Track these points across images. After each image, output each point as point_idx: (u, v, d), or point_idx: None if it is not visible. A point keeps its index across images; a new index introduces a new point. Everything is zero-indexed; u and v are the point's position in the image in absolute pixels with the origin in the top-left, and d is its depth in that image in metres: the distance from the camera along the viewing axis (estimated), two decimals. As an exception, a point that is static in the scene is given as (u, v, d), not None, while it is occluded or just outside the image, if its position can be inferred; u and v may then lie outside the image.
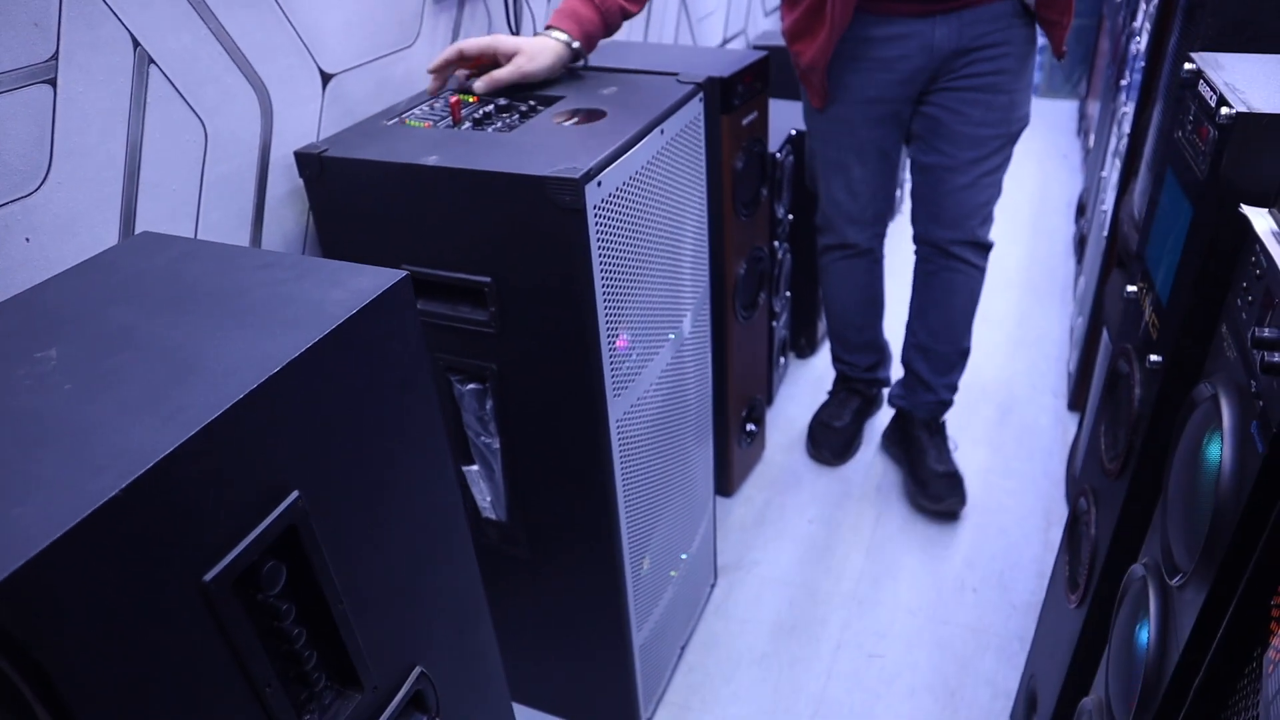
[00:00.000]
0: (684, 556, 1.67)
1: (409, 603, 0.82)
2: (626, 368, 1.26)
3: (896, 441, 2.22)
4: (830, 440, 2.22)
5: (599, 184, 1.08)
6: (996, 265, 3.02)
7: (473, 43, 1.32)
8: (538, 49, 1.34)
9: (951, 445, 2.16)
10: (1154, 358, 0.97)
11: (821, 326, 2.68)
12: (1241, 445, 0.71)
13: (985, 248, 1.96)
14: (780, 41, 1.94)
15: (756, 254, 1.96)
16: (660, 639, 1.63)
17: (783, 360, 2.53)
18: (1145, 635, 0.87)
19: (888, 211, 2.05)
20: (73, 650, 0.51)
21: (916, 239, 1.99)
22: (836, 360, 2.29)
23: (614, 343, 1.21)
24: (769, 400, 2.46)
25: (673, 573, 1.63)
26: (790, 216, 2.33)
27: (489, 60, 1.35)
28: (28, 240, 0.92)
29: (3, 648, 0.49)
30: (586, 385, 1.19)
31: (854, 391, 2.28)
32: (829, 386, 2.36)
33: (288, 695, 0.69)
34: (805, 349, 2.68)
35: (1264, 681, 0.60)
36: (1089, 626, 1.15)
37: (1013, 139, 1.83)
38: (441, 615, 0.88)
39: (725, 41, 2.78)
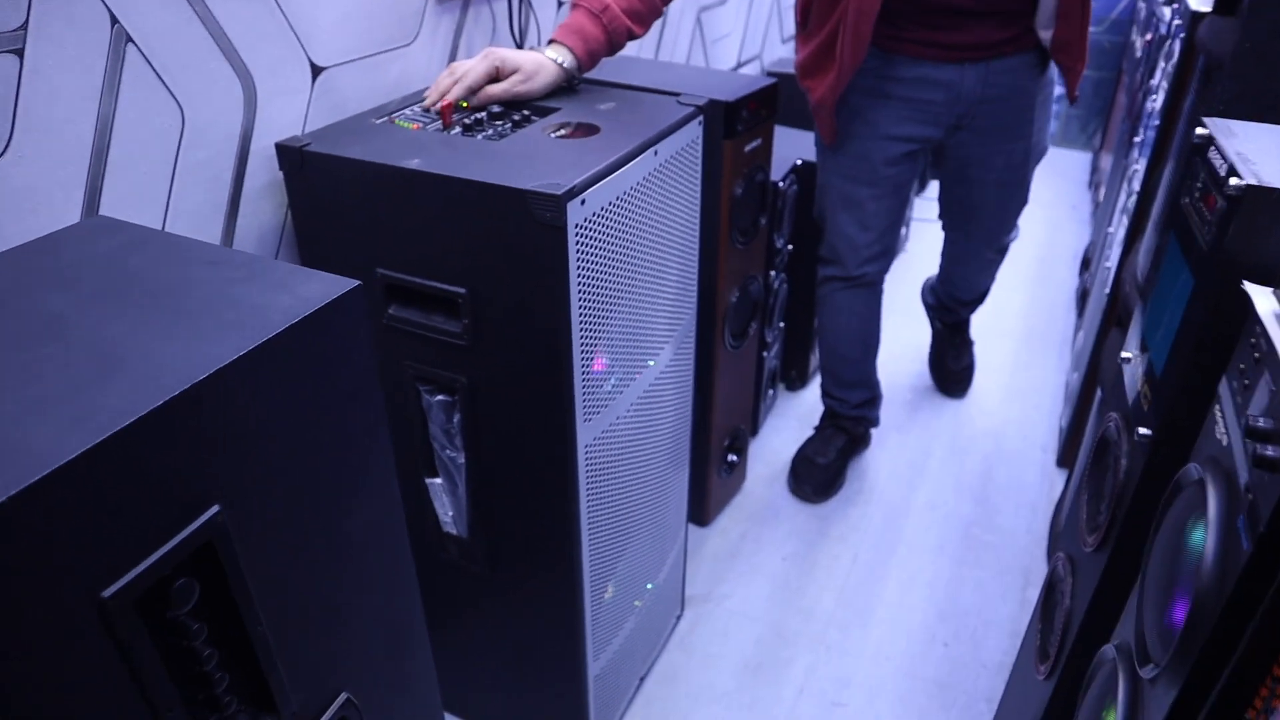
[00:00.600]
0: (650, 586, 1.63)
1: (337, 625, 0.78)
2: (601, 393, 1.22)
3: (928, 308, 2.60)
4: (813, 476, 2.18)
5: (583, 202, 1.04)
6: (996, 313, 3.00)
7: (474, 71, 1.27)
8: (534, 68, 1.30)
9: (971, 343, 2.60)
10: (1143, 430, 0.93)
11: (814, 359, 2.63)
12: (1226, 538, 0.67)
13: (1005, 249, 2.22)
14: (785, 70, 1.93)
15: (750, 283, 1.92)
16: (619, 669, 1.59)
17: (771, 391, 2.49)
18: (1112, 723, 0.83)
19: (895, 246, 2.03)
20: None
21: (951, 240, 2.24)
22: (826, 395, 2.25)
23: (590, 365, 1.17)
24: (754, 431, 2.42)
25: (637, 602, 1.59)
26: (790, 247, 2.29)
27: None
28: (-18, 216, 0.88)
29: None
30: (556, 408, 1.15)
31: (841, 429, 2.24)
32: (815, 421, 2.32)
33: (194, 719, 0.65)
34: (796, 381, 2.64)
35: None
36: (1055, 701, 1.11)
37: (1035, 164, 1.95)
38: (374, 639, 0.84)
39: (739, 65, 2.76)
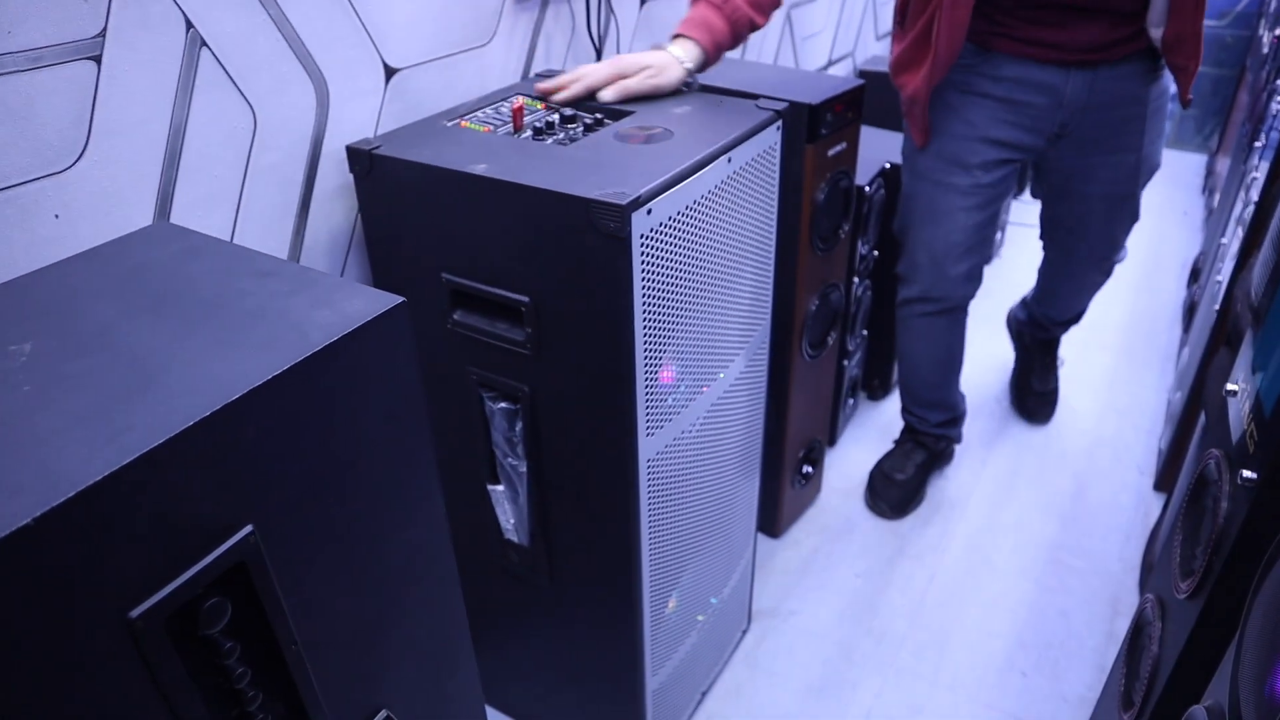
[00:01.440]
0: (714, 601, 1.59)
1: (376, 644, 0.77)
2: (668, 405, 1.19)
3: (1013, 333, 2.49)
4: (890, 493, 2.11)
5: (649, 212, 1.01)
6: (1094, 324, 2.85)
7: (599, 73, 1.26)
8: (663, 64, 1.29)
9: (1059, 363, 2.45)
10: (1247, 473, 0.85)
11: (897, 368, 2.55)
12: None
13: (1119, 261, 2.04)
14: (876, 68, 1.86)
15: (830, 291, 1.86)
16: (679, 683, 1.56)
17: (852, 400, 2.42)
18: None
19: (982, 271, 1.91)
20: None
21: (1049, 253, 2.10)
22: (905, 411, 2.17)
23: (656, 377, 1.14)
24: (832, 442, 2.35)
25: (700, 617, 1.55)
26: (875, 253, 2.22)
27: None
28: (57, 217, 0.90)
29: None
30: (618, 421, 1.12)
31: (921, 444, 2.16)
32: (897, 434, 2.24)
33: (225, 739, 0.64)
34: (878, 390, 2.56)
35: None
36: (1139, 755, 1.03)
37: (1147, 180, 1.81)
38: (415, 658, 0.82)
39: (829, 64, 2.68)
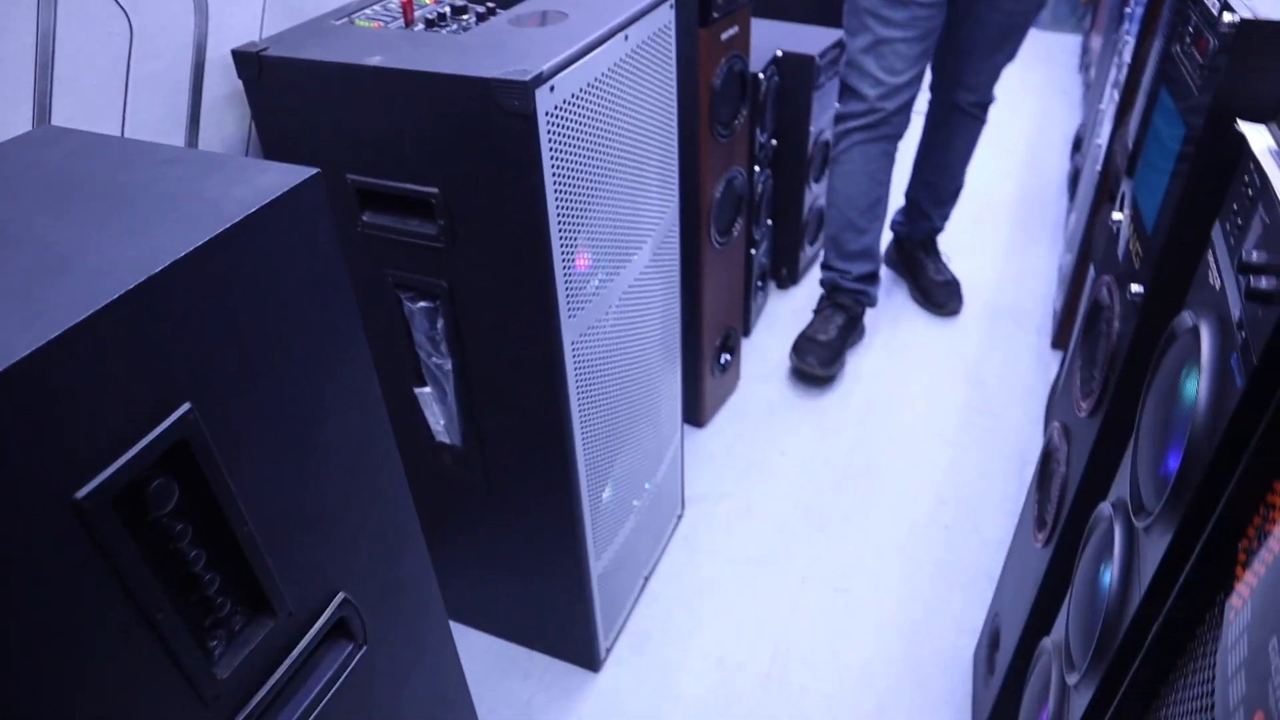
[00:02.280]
0: (648, 486, 1.64)
1: (328, 527, 0.77)
2: (586, 290, 1.20)
3: (898, 261, 2.60)
4: (816, 350, 2.19)
5: (551, 89, 1.00)
6: (987, 201, 2.96)
7: None
8: None
9: (945, 259, 2.52)
10: (1135, 288, 0.91)
11: (804, 255, 2.61)
12: (1220, 379, 0.66)
13: (988, 105, 2.22)
14: None
15: (733, 177, 1.88)
16: (622, 568, 1.60)
17: (762, 291, 2.47)
18: (1108, 577, 0.83)
19: (914, 100, 2.03)
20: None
21: (937, 102, 2.24)
22: (827, 268, 2.26)
23: (572, 262, 1.15)
24: (746, 331, 2.40)
25: (636, 501, 1.60)
26: (774, 142, 2.24)
27: None
28: (-77, 131, 0.85)
29: None
30: (539, 304, 1.13)
31: (840, 306, 2.25)
32: (809, 318, 2.31)
33: (187, 620, 0.65)
34: (786, 280, 2.61)
35: (1224, 629, 0.55)
36: (1054, 566, 1.12)
37: (1033, 20, 2.04)
38: (367, 540, 0.83)
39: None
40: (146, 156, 0.72)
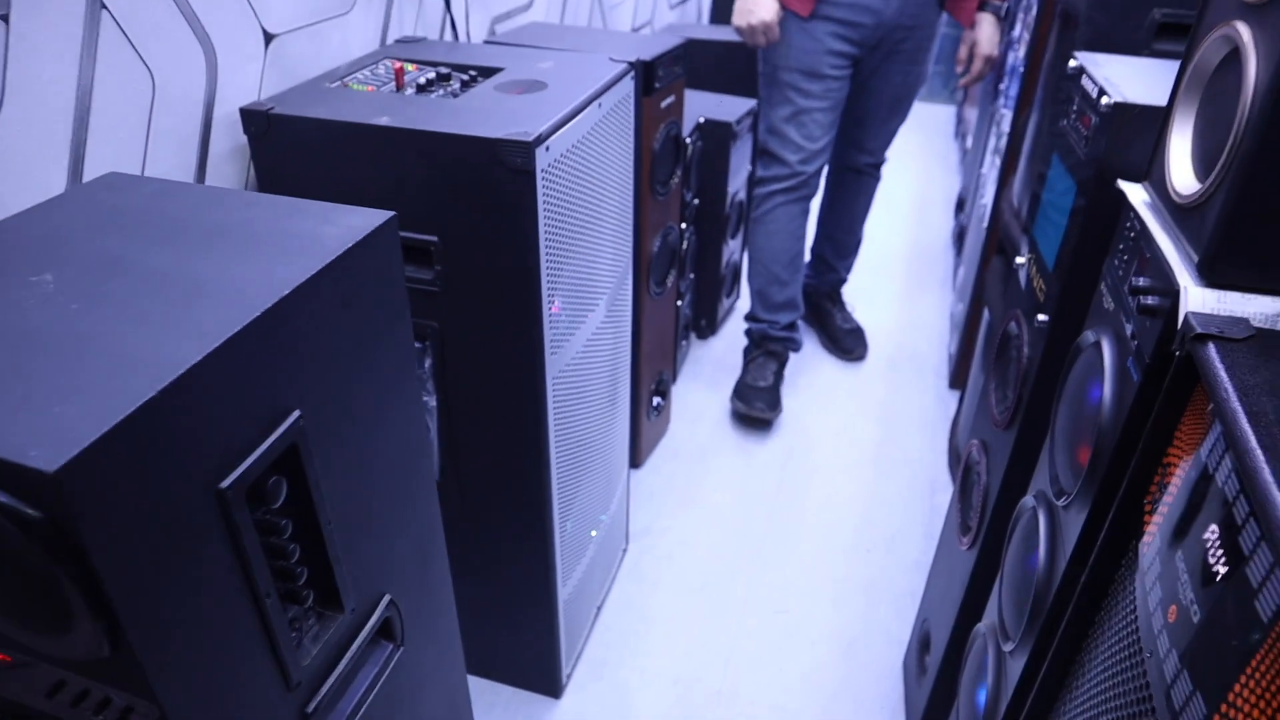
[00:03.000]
0: (603, 518, 1.75)
1: (379, 530, 0.87)
2: (559, 330, 1.33)
3: (807, 311, 2.75)
4: (762, 396, 2.37)
5: (547, 149, 1.14)
6: (882, 256, 3.23)
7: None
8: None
9: (850, 309, 2.77)
10: (1041, 317, 1.11)
11: (722, 307, 2.79)
12: (1120, 379, 0.84)
13: (881, 164, 2.49)
14: (689, 34, 2.11)
15: (668, 232, 2.05)
16: (580, 598, 1.70)
17: (685, 340, 2.64)
18: (1037, 556, 1.00)
19: (831, 146, 2.27)
20: (110, 541, 0.55)
21: (837, 165, 2.49)
22: (754, 322, 2.45)
23: (551, 306, 1.27)
24: (674, 377, 2.56)
25: (593, 533, 1.70)
26: (696, 201, 2.43)
27: None
28: (-21, 179, 0.92)
29: (50, 536, 0.53)
30: (527, 342, 1.24)
31: (771, 354, 2.45)
32: (729, 365, 2.49)
33: (284, 608, 0.73)
34: (706, 330, 2.79)
35: (1140, 560, 0.72)
36: (980, 563, 1.29)
37: (918, 91, 2.31)
38: (407, 545, 0.93)
39: (635, 30, 2.86)
40: (227, 199, 0.82)
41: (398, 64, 1.31)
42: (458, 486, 1.44)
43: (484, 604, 1.59)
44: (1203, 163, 0.77)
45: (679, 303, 2.43)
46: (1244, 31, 0.70)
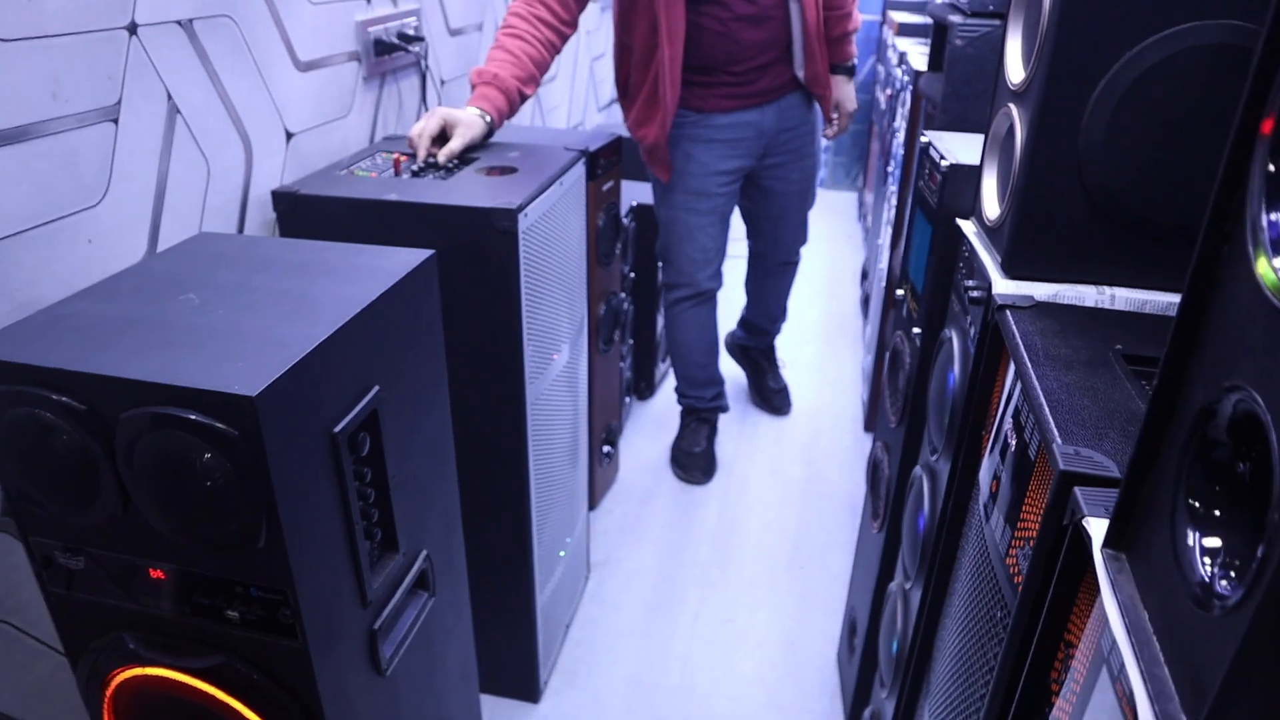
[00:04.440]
0: (569, 540, 2.00)
1: (423, 496, 1.12)
2: (533, 367, 1.61)
3: (742, 358, 3.09)
4: (697, 462, 2.65)
5: (525, 215, 1.44)
6: (799, 325, 3.60)
7: (430, 126, 1.66)
8: (469, 121, 1.69)
9: (780, 365, 3.06)
10: (916, 330, 1.43)
11: (659, 370, 3.11)
12: (964, 356, 1.16)
13: (799, 254, 2.73)
14: (617, 132, 2.46)
15: (612, 298, 2.36)
16: (552, 614, 1.93)
17: (628, 400, 2.93)
18: (923, 515, 1.30)
19: (723, 261, 2.54)
20: (278, 456, 0.80)
21: (757, 258, 2.72)
22: (683, 397, 2.72)
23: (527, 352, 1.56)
24: (620, 430, 2.83)
25: (561, 552, 1.95)
26: (632, 274, 2.76)
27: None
28: (90, 242, 1.17)
29: (241, 449, 0.78)
30: (510, 372, 1.52)
31: (703, 420, 2.72)
32: (667, 424, 2.78)
33: (364, 538, 0.98)
34: (645, 391, 3.09)
35: (979, 475, 1.02)
36: (889, 540, 1.58)
37: (815, 178, 2.57)
38: (438, 514, 1.18)
39: (571, 129, 3.24)
40: (301, 245, 1.09)
41: (397, 155, 1.62)
42: (449, 507, 1.68)
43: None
44: (1000, 198, 1.11)
45: (621, 364, 2.72)
46: (1014, 109, 1.05)
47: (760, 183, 2.48)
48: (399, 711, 1.12)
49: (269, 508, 0.81)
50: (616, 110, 3.84)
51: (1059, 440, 0.74)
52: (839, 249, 4.51)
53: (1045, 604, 0.73)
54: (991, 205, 1.14)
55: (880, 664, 1.54)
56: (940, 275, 1.34)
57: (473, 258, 1.43)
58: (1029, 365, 0.86)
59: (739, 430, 2.91)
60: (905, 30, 3.22)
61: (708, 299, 2.54)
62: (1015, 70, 1.07)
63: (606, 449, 2.52)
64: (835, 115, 2.51)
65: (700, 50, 2.16)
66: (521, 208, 1.42)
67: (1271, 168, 0.47)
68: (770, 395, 3.03)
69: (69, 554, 0.92)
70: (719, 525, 2.46)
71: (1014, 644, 0.80)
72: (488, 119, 1.74)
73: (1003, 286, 1.04)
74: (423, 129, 1.65)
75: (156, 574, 0.91)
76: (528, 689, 1.89)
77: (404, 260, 1.05)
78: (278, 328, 0.88)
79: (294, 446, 0.83)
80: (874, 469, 1.72)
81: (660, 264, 2.67)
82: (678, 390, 2.73)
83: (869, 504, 1.74)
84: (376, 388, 0.96)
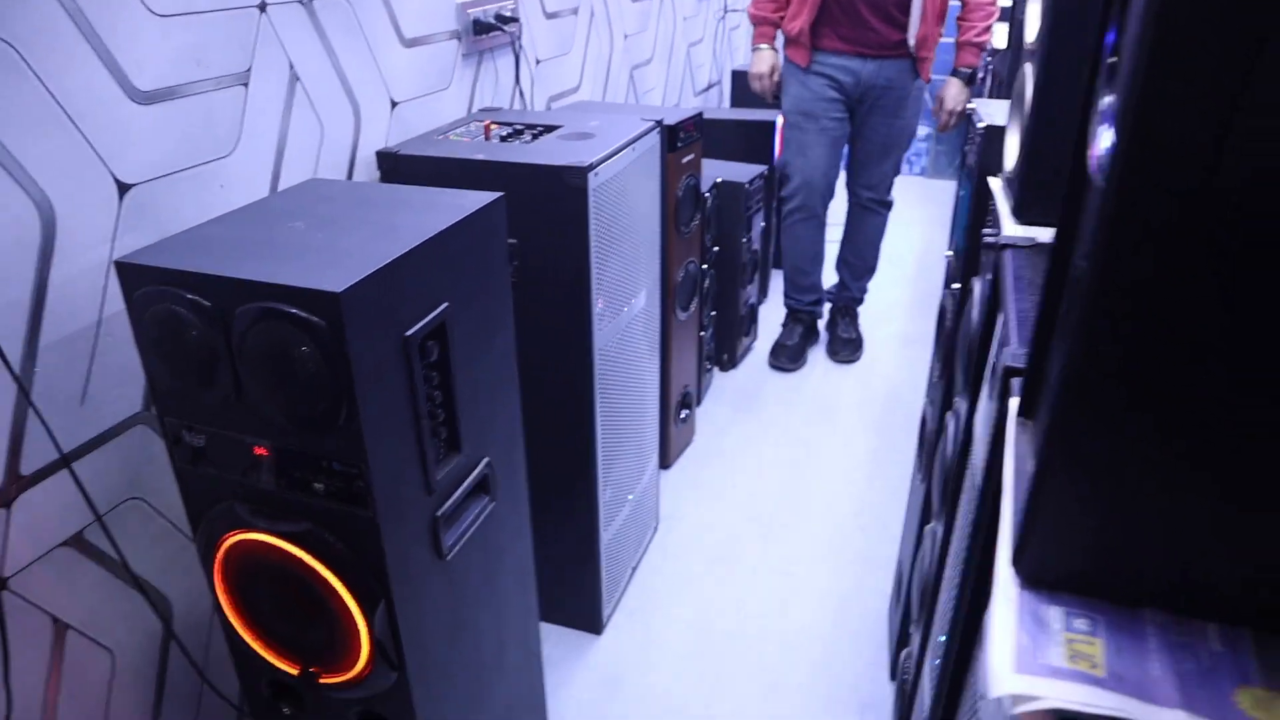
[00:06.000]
0: (631, 497, 2.14)
1: (486, 407, 1.29)
2: (601, 319, 1.76)
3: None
4: (786, 352, 3.20)
5: (596, 174, 1.59)
6: (886, 305, 3.65)
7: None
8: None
9: (859, 325, 3.34)
10: (955, 285, 1.52)
11: (741, 345, 3.22)
12: (982, 300, 1.25)
13: (888, 202, 3.08)
14: (709, 115, 2.68)
15: (690, 265, 2.50)
16: (618, 555, 2.08)
17: (708, 371, 3.05)
18: (946, 454, 1.38)
19: (834, 182, 3.01)
20: (357, 347, 0.98)
21: (850, 199, 3.11)
22: (787, 298, 3.25)
23: (597, 301, 1.71)
24: (698, 400, 2.97)
25: (630, 496, 2.10)
26: (716, 249, 2.89)
27: None
28: (221, 187, 1.39)
29: (327, 338, 0.95)
30: (580, 320, 1.68)
31: (799, 320, 3.25)
32: (748, 394, 2.92)
33: (430, 432, 1.15)
34: (727, 363, 3.21)
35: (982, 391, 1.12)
36: (928, 486, 1.67)
37: (910, 141, 2.97)
38: (499, 428, 1.34)
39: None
40: (397, 189, 1.27)
41: (487, 122, 1.79)
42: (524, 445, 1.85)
43: (538, 556, 1.98)
44: (1017, 151, 1.20)
45: (701, 334, 2.85)
46: (1028, 68, 1.14)
47: (856, 125, 2.91)
48: (458, 596, 1.29)
49: (349, 392, 0.99)
50: (713, 95, 3.97)
51: (1012, 344, 0.84)
52: (932, 235, 4.51)
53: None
54: (1010, 158, 1.22)
55: (913, 604, 1.63)
56: (974, 232, 1.43)
57: (548, 210, 1.59)
58: (1010, 290, 0.96)
59: (814, 398, 3.00)
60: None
61: (812, 214, 3.01)
62: (1031, 31, 1.15)
63: (684, 413, 2.66)
64: (939, 109, 2.87)
65: None
66: (592, 167, 1.57)
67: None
68: (840, 344, 3.29)
69: (193, 432, 1.12)
70: (787, 487, 2.56)
71: (979, 531, 0.90)
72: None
73: (1010, 230, 1.13)
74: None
75: (260, 450, 1.10)
76: (591, 621, 2.05)
77: (475, 199, 1.21)
78: (365, 246, 1.06)
79: (371, 341, 1.00)
80: (922, 424, 1.80)
81: (778, 179, 3.19)
82: (784, 293, 3.19)
83: (919, 463, 1.83)
84: (445, 304, 1.13)
